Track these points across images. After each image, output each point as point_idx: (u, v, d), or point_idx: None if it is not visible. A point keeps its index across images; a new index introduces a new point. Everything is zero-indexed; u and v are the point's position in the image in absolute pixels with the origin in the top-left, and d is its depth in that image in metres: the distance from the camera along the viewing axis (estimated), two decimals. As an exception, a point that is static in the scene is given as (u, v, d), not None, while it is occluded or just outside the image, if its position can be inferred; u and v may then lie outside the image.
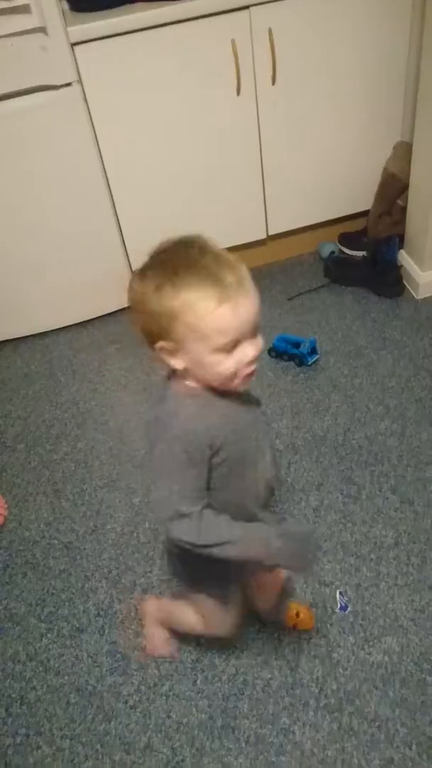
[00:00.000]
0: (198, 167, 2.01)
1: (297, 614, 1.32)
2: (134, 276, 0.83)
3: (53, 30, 1.62)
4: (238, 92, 1.87)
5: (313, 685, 1.25)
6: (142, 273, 0.81)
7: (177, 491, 0.87)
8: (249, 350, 0.82)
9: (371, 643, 1.29)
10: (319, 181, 2.15)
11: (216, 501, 0.91)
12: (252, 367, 0.84)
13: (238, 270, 0.79)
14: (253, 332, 0.82)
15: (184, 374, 0.86)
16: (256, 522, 0.95)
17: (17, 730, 1.26)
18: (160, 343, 0.82)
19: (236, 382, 0.85)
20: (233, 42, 1.77)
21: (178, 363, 0.84)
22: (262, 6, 1.74)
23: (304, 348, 1.90)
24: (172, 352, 0.83)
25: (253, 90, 1.89)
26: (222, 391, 0.87)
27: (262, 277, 2.29)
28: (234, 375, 0.83)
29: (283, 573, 1.26)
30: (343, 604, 1.35)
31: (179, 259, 0.79)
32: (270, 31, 1.77)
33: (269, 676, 1.27)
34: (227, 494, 0.93)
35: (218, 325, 0.78)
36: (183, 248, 0.81)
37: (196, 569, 1.03)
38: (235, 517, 0.90)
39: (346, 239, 2.29)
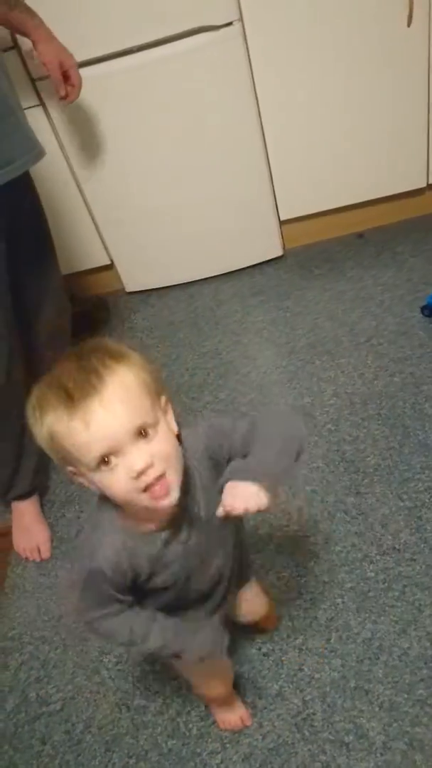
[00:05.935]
0: (354, 113, 1.88)
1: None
2: None
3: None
4: (409, 23, 1.71)
5: (455, 661, 1.19)
6: None
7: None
8: (133, 460, 0.67)
9: None
10: None
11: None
12: (150, 478, 0.68)
13: (101, 373, 0.66)
14: (134, 437, 0.67)
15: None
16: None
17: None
18: (68, 468, 0.72)
19: (147, 501, 0.69)
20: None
21: (93, 487, 0.73)
22: None
23: (462, 305, 1.76)
24: (81, 475, 0.72)
25: (426, 19, 1.71)
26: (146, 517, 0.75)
27: (417, 229, 2.13)
28: (136, 492, 0.68)
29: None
30: None
31: (49, 380, 0.69)
32: None
33: (407, 645, 1.23)
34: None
35: (74, 441, 0.66)
36: (60, 364, 0.69)
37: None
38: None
39: None
